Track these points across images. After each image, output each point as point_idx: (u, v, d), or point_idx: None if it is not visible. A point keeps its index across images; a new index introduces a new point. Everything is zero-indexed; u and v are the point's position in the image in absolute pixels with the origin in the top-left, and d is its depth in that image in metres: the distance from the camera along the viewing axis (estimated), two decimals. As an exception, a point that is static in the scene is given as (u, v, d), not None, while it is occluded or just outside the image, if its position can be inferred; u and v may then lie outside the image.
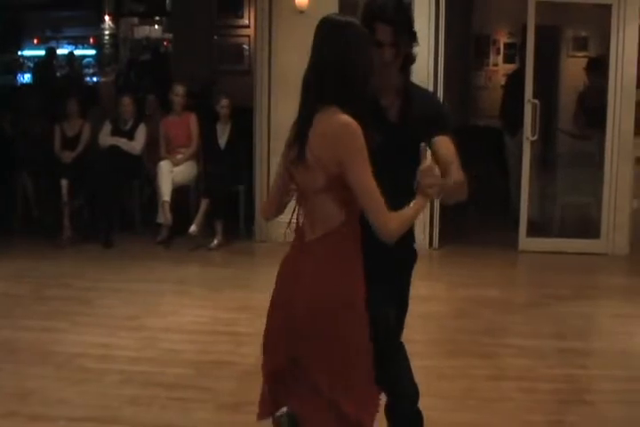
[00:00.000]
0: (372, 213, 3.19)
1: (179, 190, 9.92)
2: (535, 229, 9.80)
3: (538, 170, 10.23)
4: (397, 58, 3.63)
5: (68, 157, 10.18)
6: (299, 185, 3.36)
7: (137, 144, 10.28)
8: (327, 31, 3.26)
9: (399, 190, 3.25)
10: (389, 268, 3.66)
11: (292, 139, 3.33)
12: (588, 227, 9.91)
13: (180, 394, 5.48)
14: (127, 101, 10.45)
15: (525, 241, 9.65)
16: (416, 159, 3.31)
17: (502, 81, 13.14)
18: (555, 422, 5.12)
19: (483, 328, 6.92)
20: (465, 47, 14.14)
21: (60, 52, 18.51)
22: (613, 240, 9.50)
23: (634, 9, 9.34)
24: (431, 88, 9.52)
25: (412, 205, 3.29)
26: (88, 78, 18.13)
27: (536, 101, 9.58)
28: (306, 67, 3.29)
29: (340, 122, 3.16)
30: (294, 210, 3.44)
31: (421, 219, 9.64)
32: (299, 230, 3.40)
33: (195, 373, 5.88)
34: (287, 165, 3.38)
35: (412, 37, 3.68)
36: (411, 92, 3.75)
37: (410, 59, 3.75)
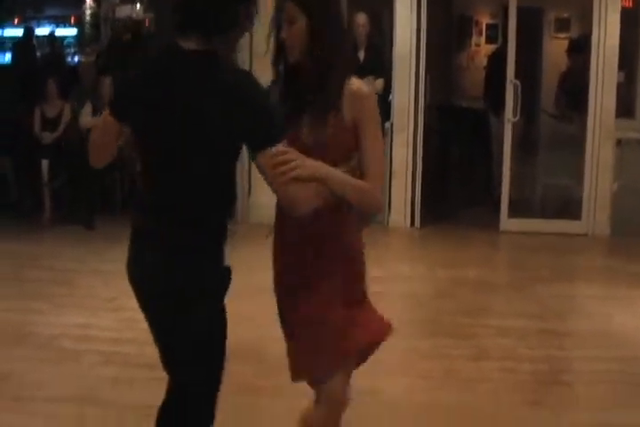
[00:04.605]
0: None
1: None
2: (517, 210, 9.82)
3: (520, 150, 10.25)
4: None
5: (48, 137, 10.13)
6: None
7: (118, 125, 10.20)
8: None
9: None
10: None
11: None
12: (569, 208, 9.94)
13: (161, 374, 5.44)
14: (108, 82, 10.37)
15: (507, 222, 9.67)
16: None
17: (484, 61, 13.14)
18: (533, 402, 5.13)
19: (463, 309, 6.94)
20: (447, 28, 14.11)
21: (41, 32, 18.35)
22: (594, 221, 9.53)
23: (617, -10, 9.33)
24: (413, 69, 9.54)
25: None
26: (69, 59, 17.99)
27: (518, 82, 9.57)
28: None
29: None
30: None
31: (402, 197, 9.67)
32: None
33: (174, 353, 5.86)
34: None
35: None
36: None
37: None
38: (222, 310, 3.19)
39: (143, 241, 3.17)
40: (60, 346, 5.98)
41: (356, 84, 3.18)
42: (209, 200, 3.07)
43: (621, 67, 9.63)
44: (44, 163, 9.83)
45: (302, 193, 2.97)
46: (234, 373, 5.40)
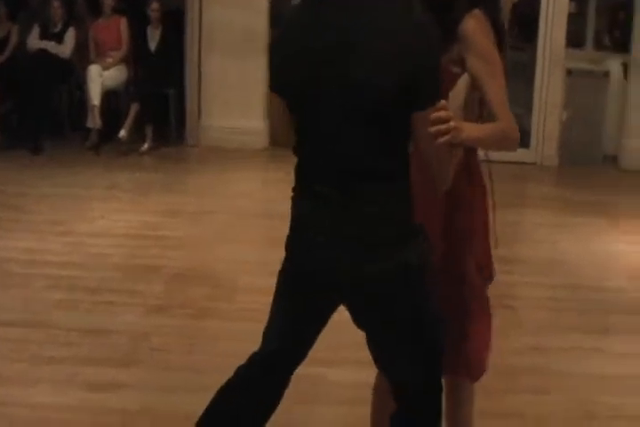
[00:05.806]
0: None
1: (109, 95, 9.80)
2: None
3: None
4: None
5: (-5, 60, 9.97)
6: None
7: (66, 48, 10.07)
8: None
9: None
10: None
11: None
12: (518, 136, 9.95)
13: (108, 298, 5.48)
14: (57, 4, 10.18)
15: (457, 149, 9.67)
16: None
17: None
18: (477, 325, 5.21)
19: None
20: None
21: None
22: (542, 151, 9.57)
23: None
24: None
25: None
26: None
27: (469, 9, 9.52)
28: None
29: None
30: None
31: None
32: None
33: (122, 276, 5.88)
34: None
35: None
36: None
37: None
38: None
39: None
40: (6, 270, 5.95)
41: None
42: None
43: (572, -3, 9.64)
44: (-9, 86, 9.69)
45: (450, 168, 2.62)
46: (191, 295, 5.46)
